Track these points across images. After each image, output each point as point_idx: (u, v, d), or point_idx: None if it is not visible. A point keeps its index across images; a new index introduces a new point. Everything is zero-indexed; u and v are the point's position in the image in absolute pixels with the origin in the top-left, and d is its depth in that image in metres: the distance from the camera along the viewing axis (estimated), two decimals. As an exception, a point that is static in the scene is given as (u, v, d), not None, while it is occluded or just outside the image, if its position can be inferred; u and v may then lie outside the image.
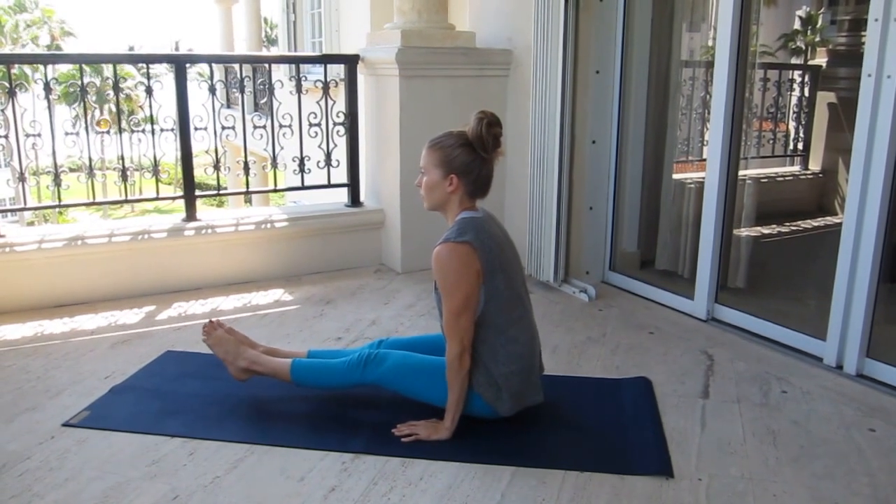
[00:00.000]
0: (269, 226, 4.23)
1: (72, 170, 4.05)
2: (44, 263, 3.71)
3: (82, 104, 3.94)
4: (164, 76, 5.29)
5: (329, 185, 4.51)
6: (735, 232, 3.91)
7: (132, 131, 4.06)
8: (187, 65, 4.13)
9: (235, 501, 2.08)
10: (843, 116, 5.46)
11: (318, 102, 4.33)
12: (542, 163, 3.93)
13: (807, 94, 5.68)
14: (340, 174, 4.49)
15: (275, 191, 4.67)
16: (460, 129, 2.40)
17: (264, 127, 4.27)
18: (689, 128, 4.42)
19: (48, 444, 2.37)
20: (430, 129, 2.52)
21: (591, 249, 4.18)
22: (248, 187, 4.54)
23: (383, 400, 2.61)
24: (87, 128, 3.86)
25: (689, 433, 2.47)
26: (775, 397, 2.76)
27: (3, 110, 3.70)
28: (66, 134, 3.80)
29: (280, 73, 7.05)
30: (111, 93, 3.99)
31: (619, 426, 2.53)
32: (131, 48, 33.52)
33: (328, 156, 4.41)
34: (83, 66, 4.10)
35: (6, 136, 3.77)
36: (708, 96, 4.00)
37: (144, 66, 4.30)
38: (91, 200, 4.05)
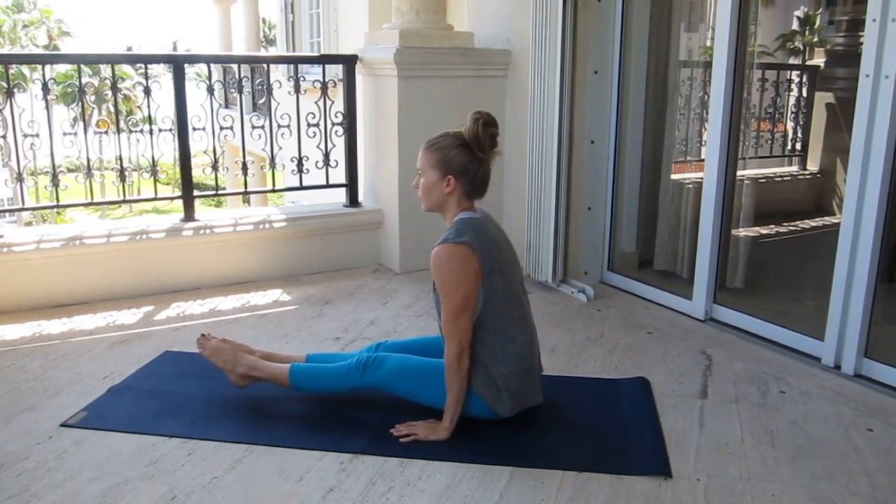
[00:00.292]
0: (267, 226, 4.23)
1: (70, 170, 4.03)
2: (42, 263, 3.71)
3: (80, 104, 3.93)
4: (162, 76, 5.29)
5: (327, 186, 4.51)
6: (733, 232, 3.91)
7: (130, 131, 4.06)
8: (185, 65, 4.12)
9: (234, 501, 2.08)
10: (841, 116, 5.46)
11: (316, 103, 4.33)
12: (541, 163, 3.93)
13: (805, 94, 5.68)
14: (339, 174, 4.49)
15: (273, 191, 4.66)
16: (457, 130, 2.40)
17: (262, 127, 4.27)
18: (688, 128, 4.43)
19: (46, 445, 2.37)
20: (429, 130, 2.52)
21: (590, 250, 4.18)
22: (246, 187, 4.54)
23: (382, 400, 2.61)
24: (85, 128, 3.86)
25: (687, 433, 2.48)
26: (773, 397, 2.76)
27: (1, 110, 3.69)
28: (65, 134, 3.80)
29: (278, 73, 7.05)
30: (109, 93, 3.98)
31: (617, 426, 2.53)
32: (129, 48, 33.51)
33: (326, 156, 4.40)
34: (81, 66, 4.10)
35: (4, 137, 3.77)
36: (706, 96, 4.00)
37: (143, 66, 4.31)
38: (89, 200, 4.06)
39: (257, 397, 2.68)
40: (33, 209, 5.49)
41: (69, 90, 20.51)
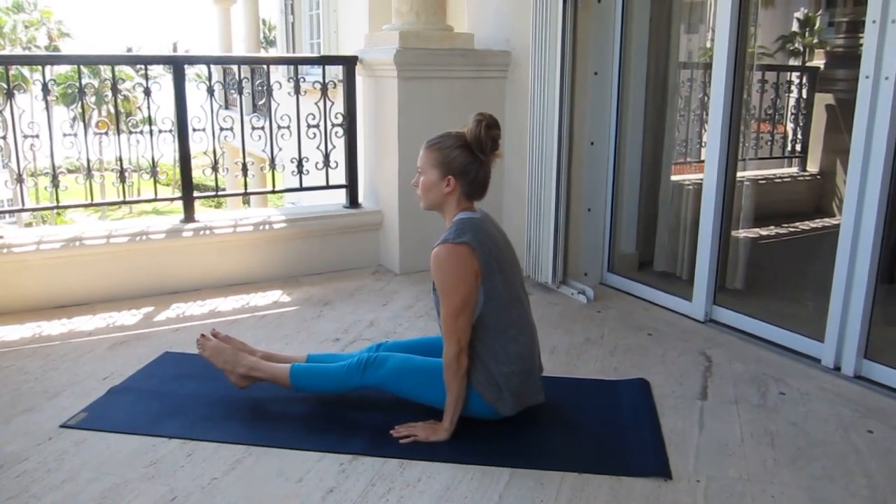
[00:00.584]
0: (267, 227, 4.23)
1: (70, 171, 4.03)
2: (42, 264, 3.71)
3: (80, 105, 3.93)
4: (162, 77, 5.29)
5: (327, 187, 4.51)
6: (733, 233, 3.91)
7: (130, 132, 4.06)
8: (185, 66, 4.13)
9: (233, 502, 2.08)
10: (841, 118, 5.46)
11: (316, 104, 4.33)
12: (541, 164, 3.93)
13: (805, 95, 5.68)
14: (339, 175, 4.49)
15: (273, 192, 4.67)
16: (459, 131, 2.40)
17: (262, 128, 4.27)
18: (688, 129, 4.43)
19: (46, 446, 2.37)
20: (429, 131, 2.52)
21: (590, 251, 4.18)
22: (246, 188, 4.54)
23: (381, 401, 2.61)
24: (85, 129, 3.86)
25: (687, 434, 2.48)
26: (773, 399, 2.76)
27: (1, 111, 3.70)
28: (65, 135, 3.80)
29: (278, 74, 7.05)
30: (109, 94, 3.98)
31: (617, 427, 2.53)
32: (129, 49, 33.53)
33: (326, 157, 4.41)
34: (81, 67, 4.10)
35: (4, 137, 3.77)
36: (706, 98, 4.01)
37: (143, 67, 4.30)
38: (89, 201, 4.05)
39: (257, 398, 2.68)
40: (33, 210, 5.49)
41: (69, 91, 20.55)
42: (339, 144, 4.43)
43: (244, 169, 4.30)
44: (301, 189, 4.48)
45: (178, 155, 4.07)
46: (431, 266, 2.36)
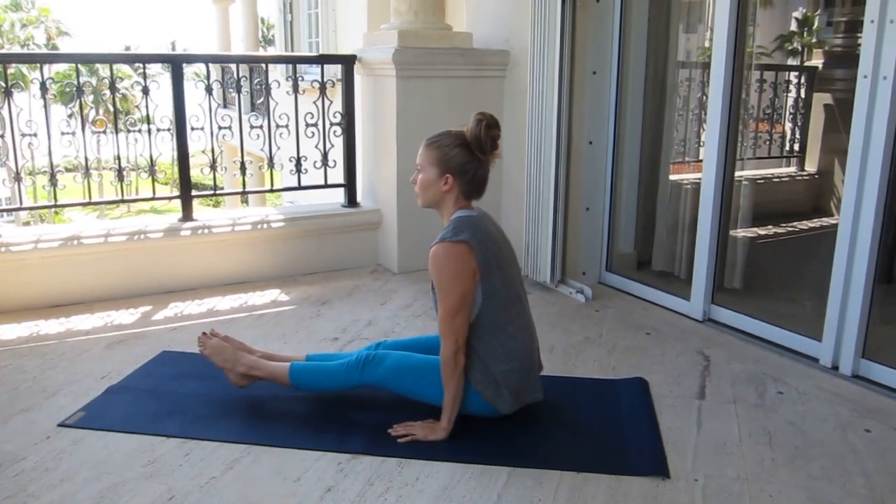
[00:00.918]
0: (265, 226, 4.22)
1: (68, 170, 4.03)
2: (39, 263, 3.71)
3: (79, 104, 3.93)
4: (160, 76, 5.27)
5: (326, 186, 4.50)
6: (731, 233, 3.91)
7: (128, 131, 4.06)
8: (184, 65, 4.12)
9: (232, 502, 2.08)
10: (840, 117, 5.47)
11: (314, 102, 4.33)
12: (539, 163, 3.93)
13: (803, 95, 5.68)
14: (337, 174, 4.49)
15: (271, 191, 4.66)
16: (458, 129, 2.40)
17: (261, 127, 4.27)
18: (686, 129, 4.43)
19: (44, 445, 2.37)
20: (427, 130, 2.52)
21: (588, 250, 4.18)
22: (244, 187, 4.54)
23: (380, 400, 2.61)
24: (83, 127, 3.85)
25: (685, 434, 2.48)
26: (771, 398, 2.76)
27: (-1, 110, 3.69)
28: (63, 134, 3.80)
29: (277, 73, 7.05)
30: (107, 92, 3.98)
31: (615, 427, 2.53)
32: (127, 48, 33.46)
33: (325, 156, 4.40)
34: (79, 65, 4.09)
35: (2, 136, 3.77)
36: (704, 97, 4.01)
37: (141, 65, 4.30)
38: (87, 200, 4.04)
39: (255, 397, 2.68)
40: (31, 209, 5.49)
41: (67, 90, 20.52)
42: (338, 143, 4.43)
43: (242, 168, 4.29)
44: (299, 188, 4.48)
45: (177, 154, 4.07)
46: (429, 264, 2.36)
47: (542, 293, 3.98)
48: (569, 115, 3.85)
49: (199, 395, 2.72)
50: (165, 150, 4.07)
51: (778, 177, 5.93)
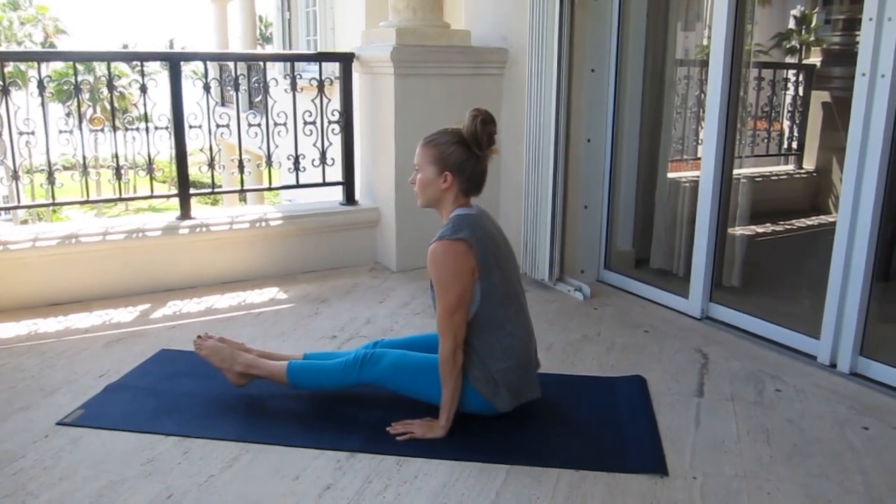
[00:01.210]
0: (263, 224, 4.22)
1: (66, 168, 4.02)
2: (38, 262, 3.70)
3: (76, 102, 3.92)
4: (158, 74, 5.27)
5: (324, 184, 4.50)
6: (729, 231, 3.91)
7: (126, 129, 4.05)
8: (182, 63, 4.12)
9: (230, 500, 2.08)
10: (838, 115, 5.48)
11: (312, 101, 4.32)
12: (537, 161, 3.93)
13: (801, 93, 5.69)
14: (335, 172, 4.49)
15: (269, 189, 4.65)
16: (455, 127, 2.40)
17: (259, 125, 4.26)
18: (684, 126, 4.43)
19: (42, 443, 2.37)
20: (426, 128, 2.52)
21: (586, 248, 4.18)
22: (242, 185, 4.54)
23: (378, 398, 2.61)
24: (80, 126, 3.85)
25: (683, 431, 2.48)
26: (769, 396, 2.76)
27: (-4, 108, 3.68)
28: (60, 132, 3.79)
29: (275, 71, 7.05)
30: (105, 90, 3.97)
31: (613, 424, 2.53)
32: (125, 46, 33.42)
33: (323, 154, 4.40)
34: (77, 63, 4.08)
35: (0, 134, 3.75)
36: (703, 95, 4.01)
37: (139, 63, 4.29)
38: (85, 199, 4.04)
39: (253, 396, 2.68)
40: (29, 207, 5.48)
41: (65, 88, 20.46)
42: (336, 141, 4.43)
43: (240, 166, 4.29)
44: (298, 186, 4.48)
45: (175, 152, 4.06)
46: (428, 262, 2.36)
47: (541, 291, 3.98)
48: (567, 112, 3.85)
49: (197, 394, 2.71)
50: (163, 149, 4.07)
51: (776, 175, 5.94)
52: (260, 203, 12.07)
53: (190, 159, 4.17)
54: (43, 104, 3.76)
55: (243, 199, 13.74)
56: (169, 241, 3.98)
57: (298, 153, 4.34)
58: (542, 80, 3.84)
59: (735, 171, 3.85)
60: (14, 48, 26.48)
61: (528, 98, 3.96)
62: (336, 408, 2.60)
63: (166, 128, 4.00)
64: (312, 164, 4.38)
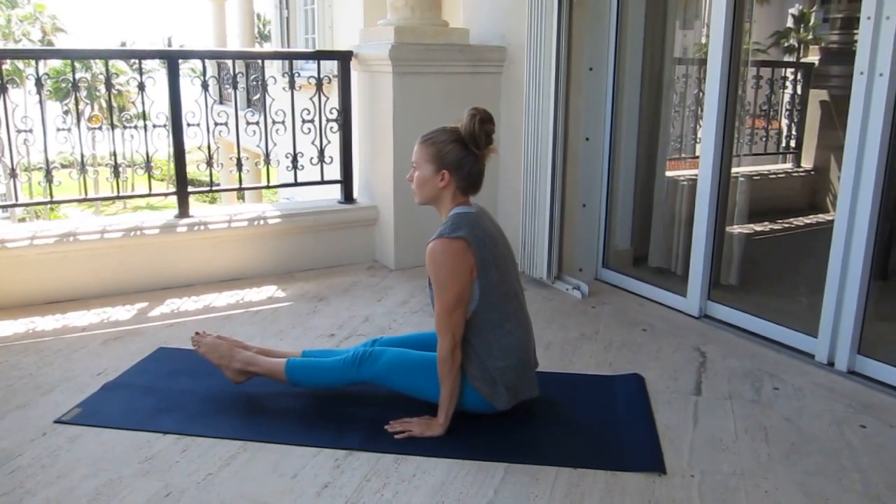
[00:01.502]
0: (261, 222, 4.22)
1: (63, 166, 4.02)
2: (35, 260, 3.70)
3: (74, 100, 3.92)
4: (156, 72, 5.26)
5: (322, 182, 4.50)
6: (728, 229, 3.92)
7: (124, 127, 4.05)
8: (180, 61, 4.11)
9: (228, 498, 2.08)
10: (836, 114, 5.49)
11: (311, 99, 4.32)
12: (536, 159, 3.93)
13: (799, 91, 5.70)
14: (334, 171, 4.48)
15: (268, 187, 4.65)
16: (453, 125, 2.40)
17: (257, 123, 4.26)
18: (683, 125, 4.43)
19: (40, 441, 2.36)
20: (424, 126, 2.52)
21: (585, 246, 4.18)
22: (240, 184, 4.53)
23: (377, 397, 2.61)
24: (78, 124, 3.84)
25: (681, 430, 2.48)
26: (767, 394, 2.77)
27: (-6, 106, 3.68)
28: (58, 130, 3.78)
29: (273, 69, 7.04)
30: (103, 89, 3.96)
31: (611, 423, 2.53)
32: (123, 44, 33.37)
33: (321, 152, 4.40)
34: (74, 61, 4.08)
35: (-3, 132, 3.75)
36: (701, 93, 4.01)
37: (137, 61, 4.28)
38: (83, 197, 4.03)
39: (252, 394, 2.67)
40: (27, 205, 5.48)
41: (63, 86, 20.43)
42: (334, 140, 4.43)
43: (239, 164, 4.29)
44: (296, 184, 4.47)
45: (173, 150, 4.06)
46: (426, 261, 2.36)
47: (539, 289, 3.98)
48: (565, 111, 3.85)
49: (195, 392, 2.71)
50: (161, 147, 4.06)
51: (774, 173, 5.94)
52: (258, 201, 12.06)
53: (188, 157, 4.17)
54: (41, 102, 3.75)
55: (241, 198, 13.72)
56: (167, 239, 3.98)
57: (297, 151, 4.34)
58: (540, 79, 3.84)
59: (733, 170, 3.85)
60: (11, 46, 26.44)
61: (526, 96, 3.96)
62: (334, 406, 2.60)
63: (164, 126, 4.00)
64: (311, 163, 4.38)
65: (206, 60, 4.26)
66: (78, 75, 3.86)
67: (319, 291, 3.95)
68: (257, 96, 4.45)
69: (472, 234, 2.34)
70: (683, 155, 4.54)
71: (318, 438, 2.39)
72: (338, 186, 4.55)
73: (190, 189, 4.15)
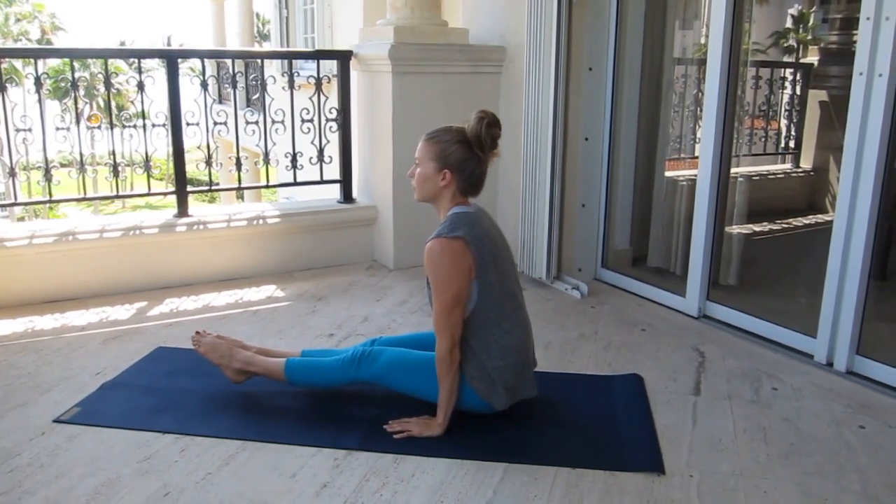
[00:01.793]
0: (260, 222, 4.22)
1: (62, 165, 4.02)
2: (34, 259, 3.69)
3: (73, 99, 3.92)
4: (155, 71, 5.26)
5: (321, 182, 4.50)
6: (727, 229, 3.92)
7: (123, 126, 4.04)
8: (179, 60, 4.11)
9: (227, 498, 2.08)
10: (835, 114, 5.49)
11: (310, 98, 4.32)
12: (535, 159, 3.93)
13: (798, 92, 5.70)
14: (333, 170, 4.48)
15: (267, 187, 4.65)
16: (459, 125, 2.40)
17: (256, 123, 4.26)
18: (682, 125, 4.43)
19: (39, 441, 2.36)
20: (423, 126, 2.52)
21: (584, 246, 4.18)
22: (240, 183, 4.53)
23: (376, 396, 2.61)
24: (77, 123, 3.84)
25: (680, 430, 2.48)
26: (766, 394, 2.77)
27: (-7, 105, 3.67)
28: (57, 129, 3.78)
29: (272, 68, 7.02)
30: (102, 88, 3.96)
31: (610, 423, 2.54)
32: (123, 43, 33.36)
33: (321, 152, 4.39)
34: (73, 60, 4.08)
35: (-4, 131, 3.75)
36: (700, 94, 4.01)
37: (136, 61, 4.28)
38: (82, 196, 4.03)
39: (251, 393, 2.67)
40: (25, 204, 5.48)
41: (62, 85, 20.42)
42: (334, 139, 4.42)
43: (238, 164, 4.28)
44: (295, 184, 4.47)
45: (172, 149, 4.05)
46: (425, 260, 2.36)
47: (538, 289, 3.98)
48: (565, 111, 3.85)
49: (194, 391, 2.71)
50: (160, 146, 4.06)
51: (773, 173, 5.94)
52: (257, 201, 12.05)
53: (187, 157, 4.16)
54: (40, 101, 3.75)
55: (241, 197, 13.72)
56: (166, 238, 3.98)
57: (296, 151, 4.34)
58: (539, 79, 3.84)
59: (732, 170, 3.85)
60: (10, 45, 26.42)
61: (525, 96, 3.96)
62: (334, 406, 2.60)
63: (163, 125, 4.00)
64: (310, 162, 4.38)
65: (206, 60, 4.26)
66: (77, 74, 3.85)
67: (318, 291, 3.95)
68: (256, 96, 4.45)
69: (471, 233, 2.34)
70: (683, 155, 4.54)
71: (317, 438, 2.38)
72: (337, 186, 4.54)
73: (189, 188, 4.15)
